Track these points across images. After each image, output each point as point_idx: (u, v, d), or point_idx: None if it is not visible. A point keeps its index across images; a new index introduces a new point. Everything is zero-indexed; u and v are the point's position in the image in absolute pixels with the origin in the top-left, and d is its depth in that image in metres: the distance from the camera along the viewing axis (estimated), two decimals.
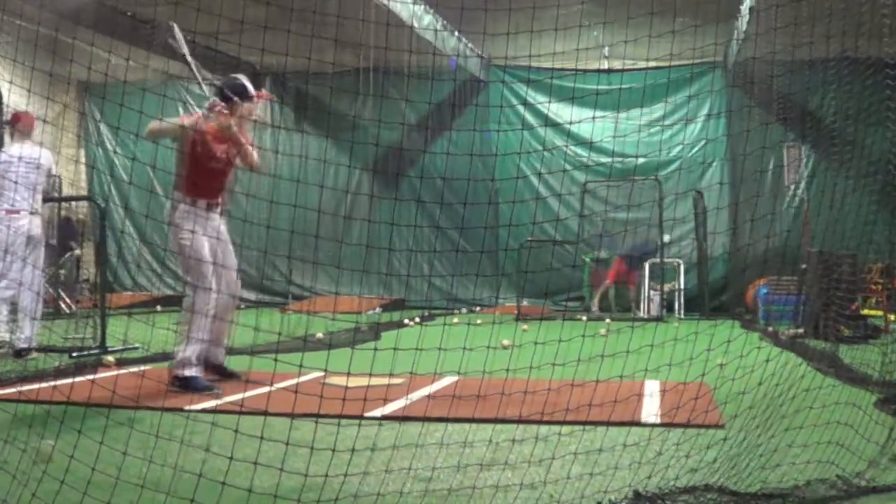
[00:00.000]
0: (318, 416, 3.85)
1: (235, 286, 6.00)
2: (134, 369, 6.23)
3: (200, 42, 8.10)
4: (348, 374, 3.95)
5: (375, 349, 3.93)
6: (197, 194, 5.69)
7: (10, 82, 4.64)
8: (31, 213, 7.44)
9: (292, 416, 3.88)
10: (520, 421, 4.13)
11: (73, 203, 14.36)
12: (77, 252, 14.17)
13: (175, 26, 5.73)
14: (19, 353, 7.13)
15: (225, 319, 5.84)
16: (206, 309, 5.51)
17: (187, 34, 5.76)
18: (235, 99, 5.75)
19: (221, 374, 5.99)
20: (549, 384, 4.16)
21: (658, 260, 14.72)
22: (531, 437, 3.64)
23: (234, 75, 6.01)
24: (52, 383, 4.82)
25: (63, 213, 14.18)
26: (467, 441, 3.72)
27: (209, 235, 5.68)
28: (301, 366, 4.14)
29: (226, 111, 5.59)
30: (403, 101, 12.06)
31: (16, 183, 7.21)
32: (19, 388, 4.99)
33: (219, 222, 5.87)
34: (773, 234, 10.75)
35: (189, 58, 5.79)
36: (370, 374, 4.06)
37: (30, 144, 7.53)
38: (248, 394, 4.46)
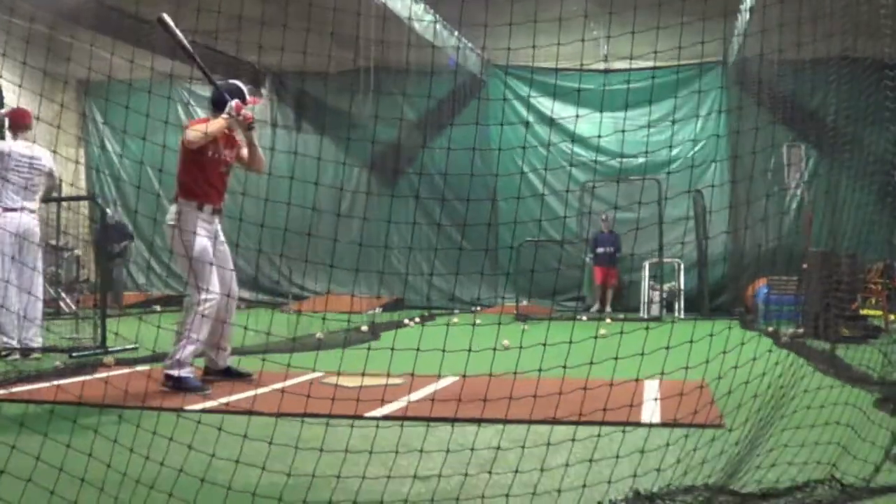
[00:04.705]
0: (316, 415, 3.83)
1: (233, 287, 5.99)
2: (128, 370, 6.22)
3: (199, 41, 8.05)
4: (343, 373, 3.94)
5: (370, 349, 3.92)
6: (205, 199, 5.75)
7: (17, 85, 4.60)
8: (23, 211, 7.31)
9: (292, 415, 3.87)
10: (519, 421, 4.12)
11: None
12: (77, 252, 14.15)
13: (165, 16, 5.61)
14: (24, 354, 7.13)
15: (225, 321, 5.84)
16: (205, 310, 5.52)
17: (187, 34, 5.70)
18: (234, 102, 5.77)
19: (230, 376, 5.97)
20: (550, 384, 4.15)
21: (657, 260, 14.72)
22: (530, 438, 3.63)
23: (230, 80, 6.08)
24: (50, 383, 4.81)
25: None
26: (467, 442, 3.71)
27: (210, 237, 5.71)
28: (297, 366, 4.13)
29: (249, 112, 5.63)
30: (401, 96, 12.03)
31: (6, 181, 7.14)
32: (27, 388, 4.98)
33: (217, 225, 5.92)
34: (774, 236, 10.74)
35: (187, 45, 5.68)
36: (364, 374, 4.05)
37: (24, 143, 7.41)
38: (246, 394, 4.45)
